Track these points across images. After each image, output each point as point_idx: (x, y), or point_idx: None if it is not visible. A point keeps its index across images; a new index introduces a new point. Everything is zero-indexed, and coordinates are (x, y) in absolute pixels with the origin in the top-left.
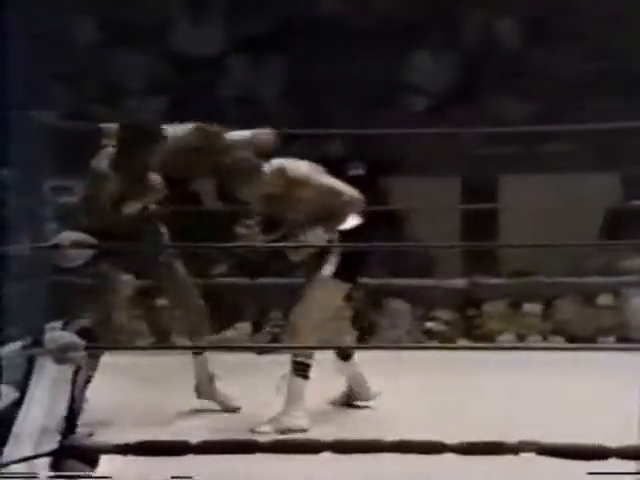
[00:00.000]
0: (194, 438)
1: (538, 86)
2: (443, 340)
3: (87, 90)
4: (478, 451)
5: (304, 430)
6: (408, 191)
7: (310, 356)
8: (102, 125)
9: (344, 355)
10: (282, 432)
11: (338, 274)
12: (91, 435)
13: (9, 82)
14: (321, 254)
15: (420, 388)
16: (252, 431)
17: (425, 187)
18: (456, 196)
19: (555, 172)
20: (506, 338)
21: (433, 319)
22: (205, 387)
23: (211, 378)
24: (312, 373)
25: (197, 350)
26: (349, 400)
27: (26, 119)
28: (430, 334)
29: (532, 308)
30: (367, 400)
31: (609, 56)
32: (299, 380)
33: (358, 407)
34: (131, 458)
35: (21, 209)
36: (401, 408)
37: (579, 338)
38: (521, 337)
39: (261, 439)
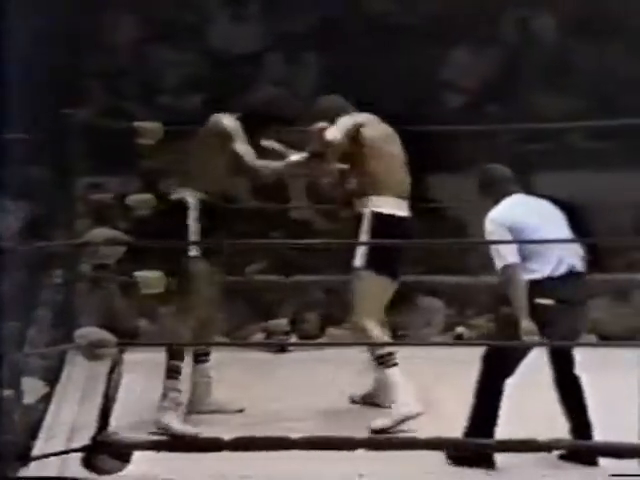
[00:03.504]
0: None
1: (577, 83)
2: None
3: (125, 88)
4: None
5: (419, 414)
6: (445, 188)
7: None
8: (136, 123)
9: None
10: (399, 422)
11: (373, 266)
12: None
13: (46, 80)
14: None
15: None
16: (370, 429)
17: (461, 184)
18: None
19: (592, 169)
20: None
21: (465, 324)
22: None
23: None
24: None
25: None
26: (368, 400)
27: (62, 117)
28: (460, 339)
29: None
30: (382, 406)
31: None
32: (390, 370)
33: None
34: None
35: (56, 206)
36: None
37: (613, 336)
38: None
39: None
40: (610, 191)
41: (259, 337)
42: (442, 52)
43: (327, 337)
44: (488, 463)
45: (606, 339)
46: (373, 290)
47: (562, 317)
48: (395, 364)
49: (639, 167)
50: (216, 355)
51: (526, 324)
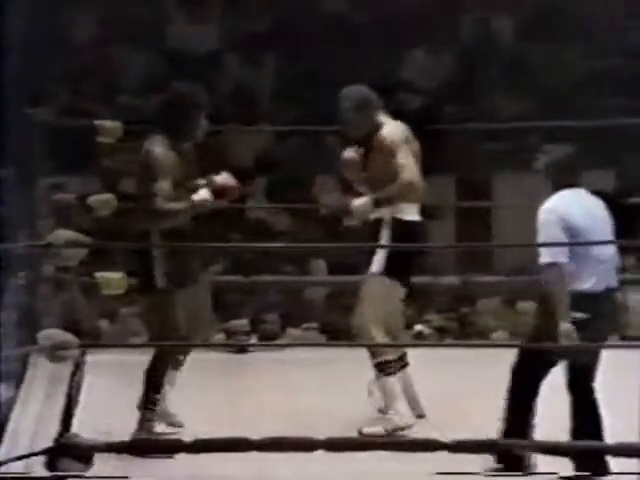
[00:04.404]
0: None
1: (536, 84)
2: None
3: (85, 87)
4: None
5: (410, 426)
6: None
7: (386, 352)
8: (96, 122)
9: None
10: (392, 431)
11: (389, 272)
12: None
13: (7, 80)
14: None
15: None
16: (360, 433)
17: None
18: (451, 194)
19: None
20: (499, 336)
21: (425, 321)
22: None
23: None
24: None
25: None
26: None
27: (23, 117)
28: (420, 337)
29: (526, 306)
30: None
31: (609, 54)
32: (387, 379)
33: None
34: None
35: (17, 207)
36: None
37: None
38: (515, 335)
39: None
40: None
41: (219, 338)
42: (401, 52)
43: (287, 337)
44: (520, 466)
45: None
46: (383, 296)
47: (590, 332)
48: (393, 373)
49: (598, 168)
50: None
51: (566, 326)
